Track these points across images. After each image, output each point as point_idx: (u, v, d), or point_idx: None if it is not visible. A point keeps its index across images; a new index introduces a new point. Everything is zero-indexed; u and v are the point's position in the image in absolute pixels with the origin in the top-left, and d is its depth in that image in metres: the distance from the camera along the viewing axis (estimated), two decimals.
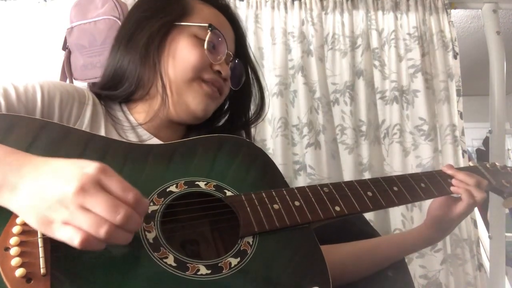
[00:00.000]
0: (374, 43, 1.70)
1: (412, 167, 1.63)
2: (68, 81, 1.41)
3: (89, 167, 0.46)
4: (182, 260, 0.53)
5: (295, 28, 1.67)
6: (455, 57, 1.72)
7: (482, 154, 3.49)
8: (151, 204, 0.58)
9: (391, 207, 0.77)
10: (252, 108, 0.90)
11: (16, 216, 0.49)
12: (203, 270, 0.53)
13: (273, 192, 0.65)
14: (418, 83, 1.67)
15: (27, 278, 0.45)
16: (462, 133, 1.68)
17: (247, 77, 0.88)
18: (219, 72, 0.78)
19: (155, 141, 0.78)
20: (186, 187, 0.62)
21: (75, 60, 1.39)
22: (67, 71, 1.41)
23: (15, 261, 0.45)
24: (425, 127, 1.64)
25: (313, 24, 1.67)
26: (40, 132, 0.59)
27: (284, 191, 0.66)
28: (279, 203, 0.63)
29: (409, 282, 0.90)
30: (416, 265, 1.56)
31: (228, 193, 0.64)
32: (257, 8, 1.67)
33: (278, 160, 1.54)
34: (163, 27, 0.77)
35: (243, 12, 1.65)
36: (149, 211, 0.57)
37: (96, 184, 0.45)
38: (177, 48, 0.76)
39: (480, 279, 1.59)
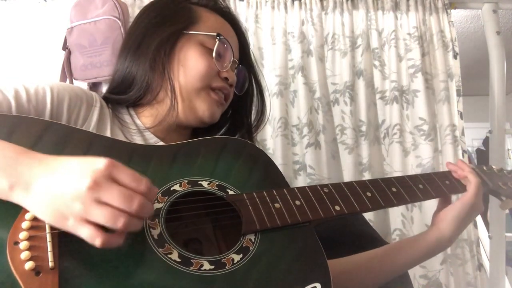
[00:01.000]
0: (374, 43, 1.70)
1: (412, 167, 1.63)
2: (68, 81, 1.41)
3: (99, 162, 0.48)
4: (186, 255, 0.55)
5: (295, 28, 1.67)
6: (455, 57, 1.72)
7: (482, 154, 3.49)
8: (156, 202, 0.59)
9: (390, 207, 0.78)
10: (253, 113, 0.93)
11: (25, 212, 0.50)
12: (206, 266, 0.55)
13: (274, 192, 0.66)
14: (418, 83, 1.67)
15: (36, 271, 0.47)
16: (462, 133, 1.68)
17: (249, 82, 0.91)
18: (226, 79, 0.81)
19: (161, 144, 0.79)
20: (190, 186, 0.64)
21: (75, 60, 1.39)
22: (67, 71, 1.41)
23: (24, 255, 0.47)
24: (425, 127, 1.64)
25: (313, 24, 1.67)
26: (43, 133, 0.61)
27: (285, 191, 0.67)
28: (280, 202, 0.65)
29: (409, 281, 0.90)
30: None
31: (230, 193, 0.65)
32: (257, 8, 1.67)
33: (278, 160, 1.54)
34: (173, 36, 0.79)
35: (243, 12, 1.65)
36: (154, 210, 0.58)
37: (108, 178, 0.48)
38: (186, 56, 0.79)
39: (480, 279, 1.59)
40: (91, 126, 0.73)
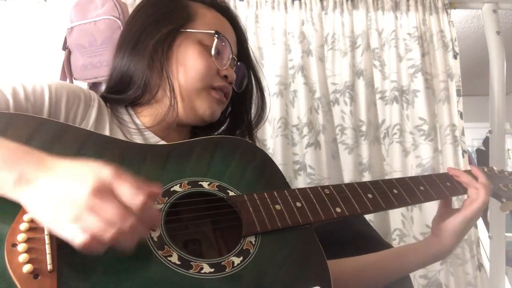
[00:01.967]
0: (374, 43, 1.70)
1: (412, 167, 1.63)
2: (68, 81, 1.41)
3: (104, 171, 0.48)
4: (186, 258, 0.54)
5: (295, 28, 1.66)
6: (455, 57, 1.72)
7: (482, 154, 3.49)
8: (156, 203, 0.59)
9: (391, 209, 0.77)
10: (253, 110, 0.91)
11: (23, 213, 0.50)
12: (206, 269, 0.54)
13: (275, 193, 0.66)
14: (418, 83, 1.67)
15: (34, 274, 0.46)
16: (462, 133, 1.68)
17: (248, 78, 0.89)
18: (225, 77, 0.80)
19: (162, 143, 0.78)
20: (190, 187, 0.63)
21: (75, 60, 1.39)
22: (67, 71, 1.41)
23: (22, 257, 0.46)
24: (425, 127, 1.64)
25: (313, 24, 1.67)
26: (36, 130, 0.60)
27: (286, 192, 0.67)
28: (281, 204, 0.64)
29: (408, 282, 0.90)
30: None
31: (231, 193, 0.65)
32: (257, 8, 1.67)
33: (278, 160, 1.54)
34: (170, 34, 0.78)
35: (243, 12, 1.65)
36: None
37: (109, 189, 0.47)
38: (185, 55, 0.77)
39: (480, 279, 1.59)
40: (89, 124, 0.72)
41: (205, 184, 0.64)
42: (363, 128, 1.63)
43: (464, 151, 1.67)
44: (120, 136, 0.74)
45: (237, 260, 0.57)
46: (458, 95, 1.69)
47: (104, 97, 0.80)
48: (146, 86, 0.77)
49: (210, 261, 0.55)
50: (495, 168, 0.93)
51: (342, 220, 0.71)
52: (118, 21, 1.36)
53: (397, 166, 1.63)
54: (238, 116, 0.91)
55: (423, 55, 1.70)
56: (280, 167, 1.57)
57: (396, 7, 1.72)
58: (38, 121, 0.62)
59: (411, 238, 1.56)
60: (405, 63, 1.69)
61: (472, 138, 3.86)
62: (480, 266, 1.61)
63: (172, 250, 0.54)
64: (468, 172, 0.86)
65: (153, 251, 0.53)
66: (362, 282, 0.82)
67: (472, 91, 3.39)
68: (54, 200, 0.47)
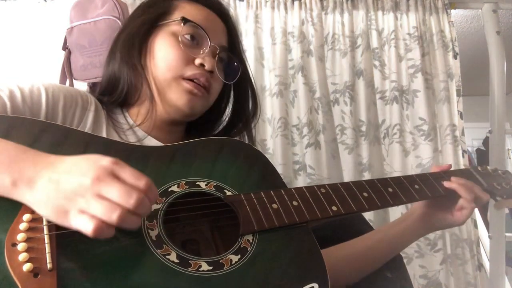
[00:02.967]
0: (374, 43, 1.70)
1: (412, 167, 1.63)
2: (68, 81, 1.41)
3: (103, 159, 0.50)
4: (184, 256, 0.55)
5: (295, 28, 1.67)
6: (455, 57, 1.72)
7: (482, 154, 3.49)
8: (154, 203, 0.59)
9: (386, 207, 0.78)
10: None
11: (23, 213, 0.50)
12: (204, 267, 0.55)
13: (272, 192, 0.66)
14: (418, 83, 1.67)
15: (34, 273, 0.47)
16: (462, 133, 1.68)
17: (242, 73, 0.86)
18: (202, 66, 0.77)
19: (151, 140, 0.79)
20: (187, 187, 0.64)
21: (75, 60, 1.39)
22: (67, 71, 1.41)
23: (22, 256, 0.47)
24: (425, 127, 1.64)
25: (313, 24, 1.67)
26: (41, 134, 0.61)
27: (283, 191, 0.67)
28: (277, 203, 0.65)
29: (408, 282, 0.90)
30: (416, 265, 1.56)
31: (228, 193, 0.65)
32: (257, 8, 1.67)
33: (278, 160, 1.54)
34: (141, 27, 0.78)
35: (243, 12, 1.65)
36: (152, 209, 0.58)
37: (111, 174, 0.49)
38: (156, 48, 0.77)
39: (480, 279, 1.59)
40: (86, 126, 0.73)
41: (202, 184, 0.65)
42: (363, 128, 1.64)
43: (464, 151, 1.67)
44: (116, 137, 0.75)
45: (235, 258, 0.57)
46: (458, 95, 1.70)
47: (100, 100, 0.81)
48: (129, 85, 0.78)
49: (208, 259, 0.56)
50: (488, 167, 0.95)
51: (342, 220, 0.71)
52: (118, 21, 1.36)
53: (397, 166, 1.64)
54: (233, 112, 0.90)
55: (423, 55, 1.70)
56: (280, 167, 1.57)
57: (396, 7, 1.72)
58: (41, 124, 0.63)
59: None
60: (405, 63, 1.69)
61: (472, 138, 3.86)
62: (480, 266, 1.61)
63: (171, 249, 0.55)
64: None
65: (152, 250, 0.54)
66: (354, 269, 0.84)
67: (472, 91, 3.39)
68: (58, 195, 0.48)
